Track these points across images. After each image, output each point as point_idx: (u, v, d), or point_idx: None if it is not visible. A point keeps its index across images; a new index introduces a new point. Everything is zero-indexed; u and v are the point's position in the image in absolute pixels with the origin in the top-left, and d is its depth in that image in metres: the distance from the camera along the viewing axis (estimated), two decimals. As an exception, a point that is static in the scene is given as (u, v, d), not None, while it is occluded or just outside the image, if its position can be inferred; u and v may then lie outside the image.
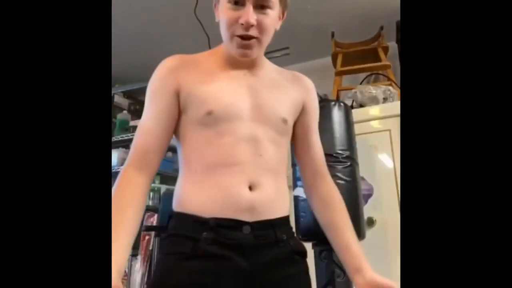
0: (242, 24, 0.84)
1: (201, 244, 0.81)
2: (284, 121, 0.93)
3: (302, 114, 1.00)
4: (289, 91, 0.98)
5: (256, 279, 0.82)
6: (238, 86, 0.91)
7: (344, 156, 1.56)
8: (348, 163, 1.56)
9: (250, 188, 0.85)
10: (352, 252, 0.91)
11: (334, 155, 1.54)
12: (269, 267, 0.84)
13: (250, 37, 0.85)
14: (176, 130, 0.92)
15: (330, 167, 1.49)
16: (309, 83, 1.04)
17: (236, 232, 0.83)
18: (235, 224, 0.83)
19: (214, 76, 0.91)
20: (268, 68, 1.00)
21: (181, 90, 0.89)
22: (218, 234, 0.82)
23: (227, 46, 0.91)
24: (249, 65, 0.94)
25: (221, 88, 0.90)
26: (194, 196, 0.86)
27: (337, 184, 1.50)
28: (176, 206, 0.89)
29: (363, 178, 1.82)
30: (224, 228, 0.82)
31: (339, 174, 1.52)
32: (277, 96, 0.94)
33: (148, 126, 0.89)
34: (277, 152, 0.91)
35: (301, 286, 0.91)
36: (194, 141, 0.89)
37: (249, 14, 0.83)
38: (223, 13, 0.87)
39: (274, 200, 0.88)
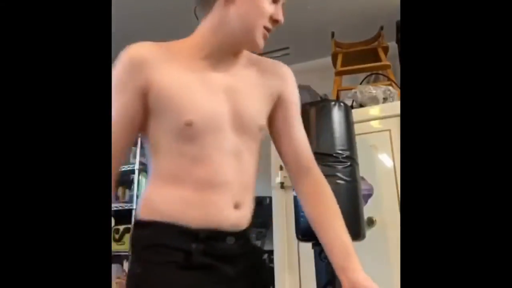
0: (274, 20, 0.86)
1: (193, 256, 0.80)
2: (261, 128, 0.90)
3: (279, 105, 0.95)
4: (264, 85, 0.93)
5: (239, 284, 0.84)
6: (217, 90, 0.86)
7: (344, 156, 1.56)
8: (348, 163, 1.56)
9: (235, 206, 0.84)
10: (337, 249, 0.84)
11: (334, 155, 1.54)
12: (250, 272, 0.87)
13: (269, 31, 0.87)
14: (145, 136, 0.87)
15: (330, 167, 1.51)
16: (286, 71, 0.98)
17: (222, 243, 0.83)
18: (220, 235, 0.83)
19: (190, 77, 0.84)
20: (244, 63, 0.94)
21: (151, 90, 0.81)
22: (206, 245, 0.81)
23: (244, 34, 0.86)
24: (230, 62, 0.90)
25: (199, 93, 0.83)
26: (175, 205, 0.82)
27: (337, 184, 1.52)
28: (149, 214, 0.84)
29: (363, 178, 1.82)
30: (211, 240, 0.82)
31: (339, 174, 1.52)
32: (253, 98, 0.90)
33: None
34: (254, 162, 0.90)
35: (265, 275, 0.98)
36: (173, 155, 0.83)
37: (281, 12, 0.86)
38: (257, 3, 0.84)
39: (250, 212, 0.90)
